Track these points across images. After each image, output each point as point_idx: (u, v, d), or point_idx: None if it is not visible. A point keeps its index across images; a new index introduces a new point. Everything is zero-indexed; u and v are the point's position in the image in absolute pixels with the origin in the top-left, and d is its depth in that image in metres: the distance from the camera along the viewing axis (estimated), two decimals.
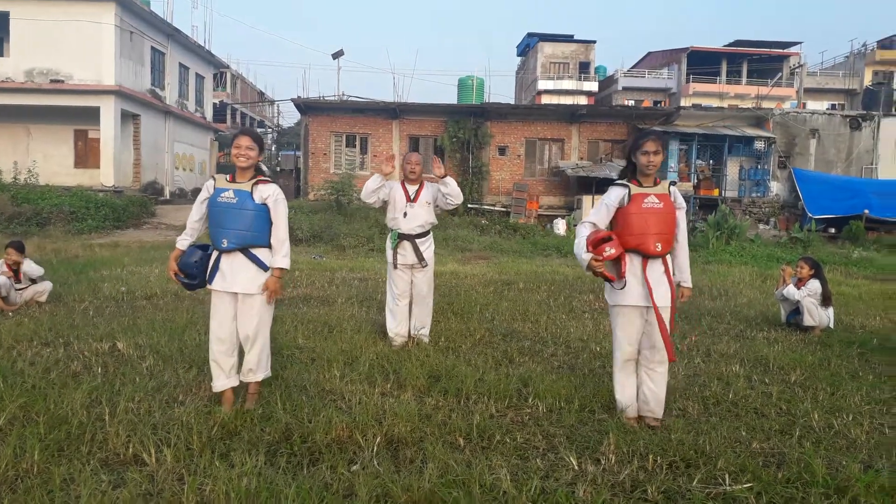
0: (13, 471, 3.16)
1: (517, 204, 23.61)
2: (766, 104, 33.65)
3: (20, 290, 7.58)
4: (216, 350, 4.20)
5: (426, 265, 5.95)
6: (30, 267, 7.70)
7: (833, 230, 22.56)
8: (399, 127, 25.19)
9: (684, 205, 4.21)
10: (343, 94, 27.53)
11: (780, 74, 43.93)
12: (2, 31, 23.24)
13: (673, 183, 4.28)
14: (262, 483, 3.04)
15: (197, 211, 4.26)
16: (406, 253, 5.91)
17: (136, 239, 17.52)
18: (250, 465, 3.21)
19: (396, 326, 6.03)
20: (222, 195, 4.13)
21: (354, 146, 25.48)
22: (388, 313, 6.13)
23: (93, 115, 23.02)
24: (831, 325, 7.30)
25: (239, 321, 4.20)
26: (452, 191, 5.78)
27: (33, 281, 7.73)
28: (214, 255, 4.20)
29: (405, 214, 5.81)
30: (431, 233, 6.09)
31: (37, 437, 3.47)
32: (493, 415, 4.18)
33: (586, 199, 23.09)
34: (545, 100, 42.79)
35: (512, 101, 45.98)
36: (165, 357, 5.32)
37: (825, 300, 7.26)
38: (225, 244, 4.10)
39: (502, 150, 25.32)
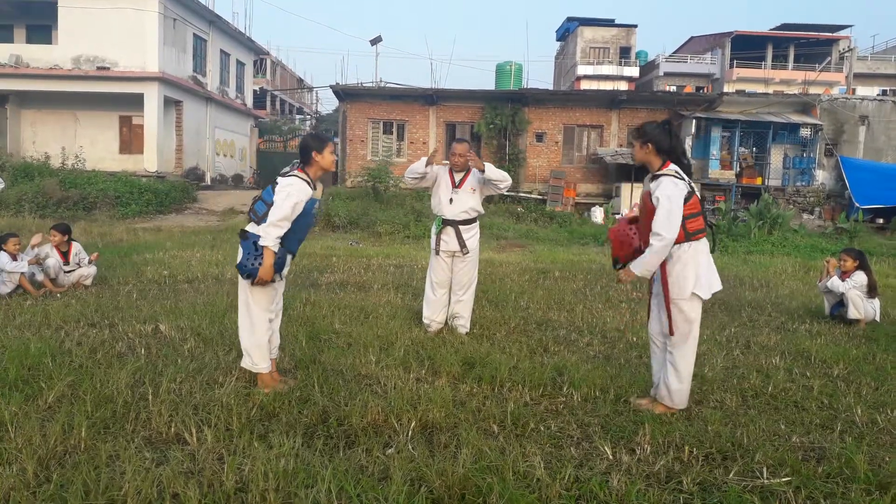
0: (62, 446, 3.28)
1: (554, 191, 23.42)
2: (813, 90, 32.65)
3: (68, 272, 7.82)
4: (267, 329, 4.35)
5: (467, 252, 5.87)
6: (83, 252, 8.01)
7: (881, 220, 21.90)
8: (436, 113, 25.17)
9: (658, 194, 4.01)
10: (381, 81, 27.65)
11: (828, 59, 42.58)
12: (50, 19, 23.84)
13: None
14: (299, 464, 3.10)
15: (294, 214, 4.11)
16: (449, 239, 5.85)
17: (178, 224, 17.90)
18: (288, 446, 3.27)
19: (431, 314, 6.03)
20: (315, 206, 4.32)
21: (391, 133, 25.56)
22: (424, 301, 6.13)
23: (137, 101, 23.52)
24: (877, 318, 7.10)
25: (278, 299, 4.48)
26: (496, 175, 5.70)
27: (78, 265, 7.97)
28: (281, 252, 4.25)
29: (451, 200, 5.79)
30: (477, 222, 6.01)
31: (84, 415, 3.59)
32: (528, 403, 4.19)
33: (625, 187, 22.79)
34: (584, 85, 42.27)
35: (550, 87, 45.50)
36: (206, 339, 5.44)
37: (871, 290, 7.06)
38: (295, 249, 4.39)
39: (540, 137, 25.11)
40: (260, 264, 4.07)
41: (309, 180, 4.21)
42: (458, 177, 5.84)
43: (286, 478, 2.97)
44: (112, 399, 3.88)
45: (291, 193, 4.07)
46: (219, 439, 3.42)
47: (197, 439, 3.39)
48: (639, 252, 4.10)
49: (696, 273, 4.00)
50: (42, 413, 3.71)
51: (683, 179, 3.99)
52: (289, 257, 4.35)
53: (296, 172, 4.21)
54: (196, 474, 3.04)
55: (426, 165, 5.76)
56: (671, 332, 4.10)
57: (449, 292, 6.05)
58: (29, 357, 4.62)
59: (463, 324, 6.04)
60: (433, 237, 5.97)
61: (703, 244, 4.07)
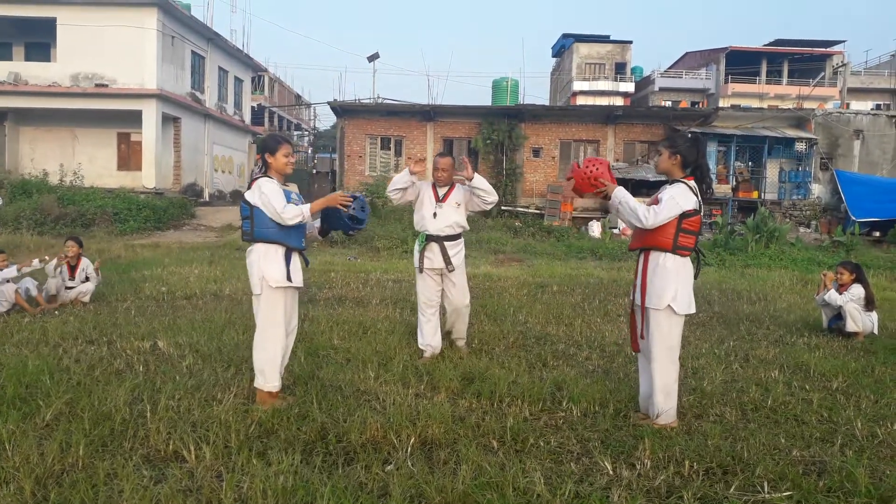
0: (60, 465, 3.25)
1: (551, 206, 23.49)
2: (807, 105, 32.83)
3: (70, 288, 7.81)
4: (281, 346, 4.32)
5: (453, 269, 5.62)
6: (90, 269, 8.02)
7: (878, 233, 21.97)
8: (433, 129, 25.28)
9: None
10: (378, 97, 27.76)
11: (822, 74, 42.87)
12: (49, 37, 23.94)
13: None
14: (298, 481, 3.08)
15: (282, 198, 4.20)
16: (433, 256, 5.60)
17: (176, 240, 17.89)
18: (287, 463, 3.25)
19: (424, 339, 5.71)
20: (292, 196, 4.28)
21: (389, 148, 25.66)
22: (418, 325, 5.83)
23: (135, 118, 23.58)
24: (875, 331, 7.11)
25: (293, 315, 4.46)
26: (483, 186, 5.48)
27: (85, 279, 7.98)
28: (283, 252, 4.25)
29: (434, 215, 5.57)
30: (462, 238, 5.79)
31: (82, 433, 3.57)
32: (527, 418, 4.17)
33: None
34: (580, 101, 42.44)
35: (546, 103, 45.73)
36: (204, 356, 5.43)
37: (868, 303, 7.08)
38: (304, 243, 4.40)
39: (536, 152, 25.23)
40: (343, 213, 4.34)
41: (271, 179, 4.24)
42: (441, 191, 5.65)
43: (285, 495, 2.96)
44: (110, 417, 3.86)
45: (263, 189, 4.13)
46: (217, 456, 3.40)
47: (195, 457, 3.38)
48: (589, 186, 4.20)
49: (676, 287, 4.02)
50: (40, 431, 3.69)
51: (696, 196, 4.04)
52: (297, 259, 4.35)
53: (257, 176, 4.28)
54: (195, 492, 3.02)
55: (410, 174, 5.55)
56: (642, 336, 4.18)
57: (439, 312, 5.82)
58: (27, 375, 4.61)
59: (461, 337, 6.00)
60: (416, 255, 5.71)
61: (687, 262, 4.10)
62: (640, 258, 4.21)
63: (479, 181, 5.50)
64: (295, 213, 4.14)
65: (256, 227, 4.21)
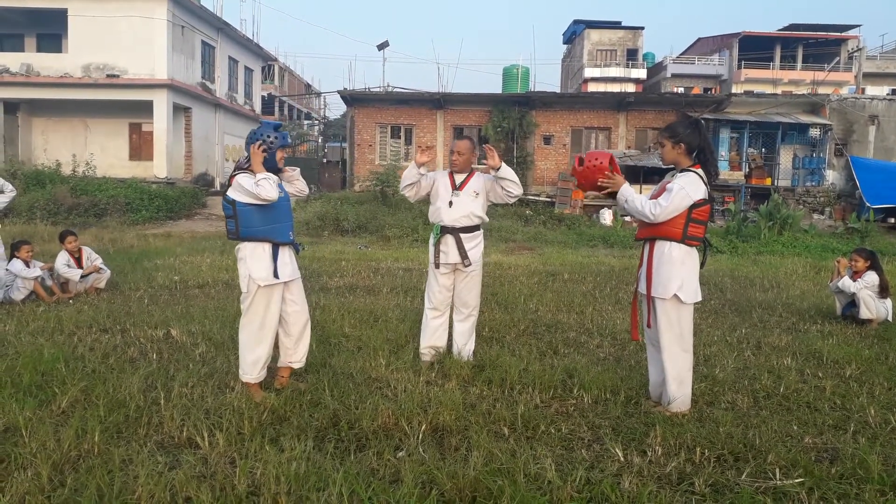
0: (76, 451, 3.30)
1: (562, 194, 23.40)
2: (822, 90, 32.45)
3: (84, 276, 7.88)
4: (268, 345, 4.28)
5: (469, 264, 5.03)
6: (93, 255, 8.10)
7: (893, 220, 21.76)
8: (443, 117, 25.23)
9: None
10: (388, 86, 27.70)
11: (837, 59, 42.30)
12: (60, 28, 24.03)
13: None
14: (310, 468, 3.11)
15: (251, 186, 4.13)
16: (448, 250, 5.03)
17: (188, 229, 17.99)
18: (299, 449, 3.28)
19: (426, 340, 5.22)
20: (282, 188, 4.26)
21: (399, 137, 25.65)
22: (422, 324, 5.33)
23: (146, 108, 23.67)
24: (889, 318, 7.05)
25: (300, 307, 4.43)
26: (510, 176, 4.94)
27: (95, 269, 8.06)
28: (270, 248, 4.21)
29: (450, 204, 5.02)
30: (481, 231, 5.21)
31: (97, 420, 3.61)
32: (538, 405, 4.18)
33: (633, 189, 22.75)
34: (592, 88, 42.16)
35: (558, 90, 45.47)
36: (217, 344, 5.47)
37: (882, 291, 7.01)
38: (291, 236, 4.36)
39: (547, 140, 25.12)
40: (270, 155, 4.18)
41: (248, 173, 4.15)
42: (458, 179, 5.09)
43: (298, 481, 2.98)
44: (125, 404, 3.91)
45: (242, 183, 4.08)
46: (230, 443, 3.43)
47: (209, 443, 3.41)
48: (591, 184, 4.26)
49: (682, 277, 4.00)
50: (56, 418, 3.74)
51: (706, 185, 4.01)
52: (286, 253, 4.30)
53: (236, 172, 4.22)
54: (208, 478, 3.06)
55: (419, 166, 5.03)
56: (648, 325, 4.18)
57: (448, 316, 5.28)
58: (42, 363, 4.66)
59: (468, 351, 5.22)
60: (431, 249, 5.18)
61: (693, 252, 4.08)
62: (645, 247, 4.19)
63: (506, 171, 4.95)
64: (265, 186, 4.02)
65: (242, 227, 4.16)
